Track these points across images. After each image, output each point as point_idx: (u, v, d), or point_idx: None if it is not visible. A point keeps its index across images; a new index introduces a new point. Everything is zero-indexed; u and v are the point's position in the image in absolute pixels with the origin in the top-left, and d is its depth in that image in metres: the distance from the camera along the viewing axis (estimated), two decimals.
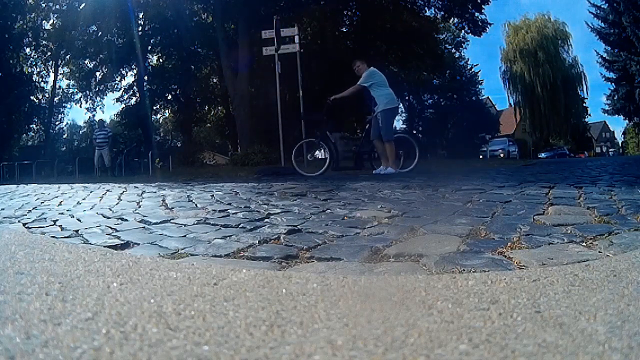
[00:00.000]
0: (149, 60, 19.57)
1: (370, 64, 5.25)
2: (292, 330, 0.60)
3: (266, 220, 1.71)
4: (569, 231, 1.32)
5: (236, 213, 1.92)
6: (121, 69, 19.29)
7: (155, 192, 3.19)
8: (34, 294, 0.77)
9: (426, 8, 16.01)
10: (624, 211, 1.64)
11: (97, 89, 20.74)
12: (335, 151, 5.22)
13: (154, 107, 21.28)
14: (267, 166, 7.81)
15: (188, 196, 2.75)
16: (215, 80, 21.43)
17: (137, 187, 3.75)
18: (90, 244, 1.35)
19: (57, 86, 22.11)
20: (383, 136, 4.83)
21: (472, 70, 30.27)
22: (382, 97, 4.88)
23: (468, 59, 30.71)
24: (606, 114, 27.99)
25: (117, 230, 1.57)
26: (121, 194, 3.14)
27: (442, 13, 16.02)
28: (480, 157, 18.86)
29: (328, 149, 5.26)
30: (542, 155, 24.58)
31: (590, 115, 34.18)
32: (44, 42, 19.18)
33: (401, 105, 28.81)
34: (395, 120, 4.89)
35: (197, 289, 0.80)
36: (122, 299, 0.74)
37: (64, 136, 31.30)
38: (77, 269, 0.96)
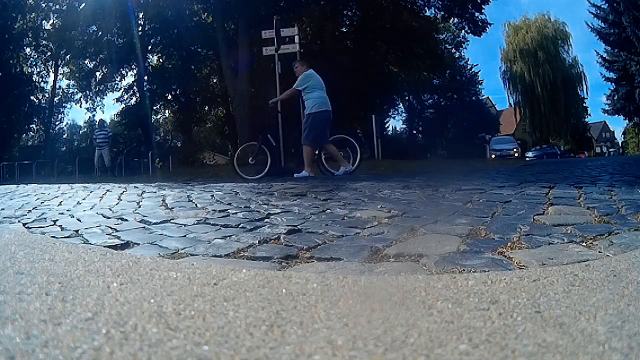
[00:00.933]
0: (149, 60, 19.59)
1: (311, 65, 5.27)
2: (292, 330, 0.60)
3: (266, 220, 1.71)
4: (569, 231, 1.32)
5: (236, 213, 1.92)
6: (121, 69, 19.31)
7: (155, 192, 3.19)
8: (34, 294, 0.77)
9: (426, 8, 16.03)
10: (624, 211, 1.64)
11: (97, 89, 20.74)
12: (275, 154, 5.31)
13: (154, 107, 21.30)
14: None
15: (188, 196, 2.75)
16: (215, 80, 21.45)
17: (137, 187, 3.75)
18: (90, 244, 1.35)
19: (57, 86, 22.15)
20: (303, 139, 4.85)
21: (472, 70, 30.30)
22: (311, 101, 4.90)
23: (468, 59, 30.75)
24: (606, 114, 28.01)
25: (117, 230, 1.57)
26: (121, 194, 3.14)
27: (442, 13, 16.04)
28: (493, 156, 17.48)
29: (269, 152, 5.31)
30: (529, 154, 22.88)
31: (590, 115, 34.21)
32: (44, 42, 19.19)
33: (401, 105, 28.84)
34: (327, 125, 4.92)
35: (197, 289, 0.80)
36: (122, 299, 0.74)
37: (64, 136, 31.36)
38: (77, 269, 0.96)
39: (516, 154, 18.80)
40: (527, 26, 28.29)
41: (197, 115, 23.16)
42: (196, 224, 1.68)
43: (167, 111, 24.12)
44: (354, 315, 0.66)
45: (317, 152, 5.16)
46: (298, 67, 5.14)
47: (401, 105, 29.02)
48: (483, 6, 15.10)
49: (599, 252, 1.07)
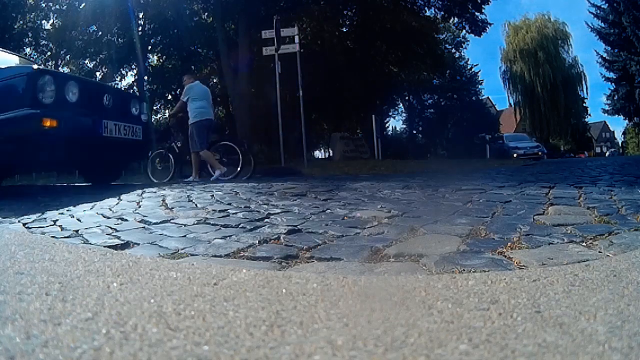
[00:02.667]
0: (149, 60, 19.57)
1: (197, 78, 6.09)
2: (292, 330, 0.60)
3: (266, 220, 1.71)
4: (569, 231, 1.32)
5: (236, 213, 1.92)
6: (121, 69, 19.29)
7: (155, 192, 3.19)
8: (34, 294, 0.77)
9: (426, 8, 16.01)
10: (624, 211, 1.64)
11: None
12: (179, 160, 5.80)
13: (154, 107, 21.27)
14: (267, 166, 7.81)
15: (188, 196, 2.75)
16: (215, 80, 21.44)
17: (137, 187, 3.75)
18: (90, 244, 1.35)
19: None
20: (191, 147, 5.32)
21: (472, 70, 30.28)
22: (192, 111, 5.35)
23: (468, 59, 30.77)
24: (606, 114, 28.00)
25: (117, 230, 1.57)
26: (121, 193, 3.14)
27: (442, 13, 16.02)
28: (515, 155, 15.69)
29: (173, 159, 5.78)
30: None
31: (590, 115, 34.21)
32: (44, 42, 19.18)
33: (401, 105, 28.83)
34: (207, 132, 5.35)
35: (197, 289, 0.80)
36: (122, 299, 0.74)
37: None
38: (77, 269, 0.96)
39: (539, 153, 16.94)
40: (527, 26, 28.28)
41: None
42: (196, 224, 1.68)
43: (167, 111, 24.12)
44: (354, 315, 0.66)
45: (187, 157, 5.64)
46: (185, 80, 5.75)
47: (401, 105, 29.03)
48: (483, 6, 15.09)
49: (599, 252, 1.07)
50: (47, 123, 3.21)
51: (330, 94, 15.95)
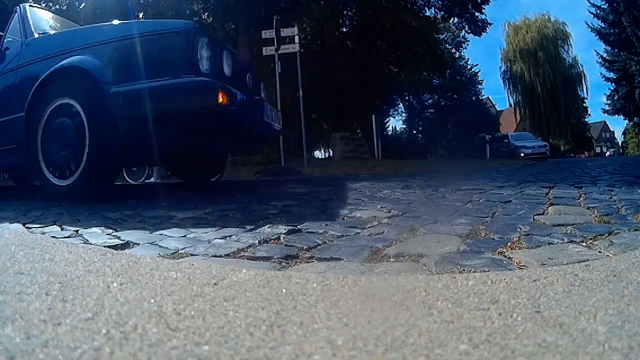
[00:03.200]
0: None
1: None
2: (292, 330, 0.60)
3: (266, 220, 1.71)
4: (569, 231, 1.32)
5: (236, 213, 1.92)
6: None
7: (155, 192, 3.19)
8: (34, 294, 0.77)
9: (426, 8, 16.02)
10: (624, 211, 1.64)
11: None
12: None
13: None
14: (267, 166, 7.82)
15: (188, 196, 2.75)
16: None
17: (137, 187, 3.74)
18: (90, 244, 1.35)
19: None
20: None
21: (472, 70, 30.30)
22: None
23: (468, 59, 30.80)
24: (606, 114, 28.02)
25: (117, 230, 1.57)
26: (121, 193, 3.14)
27: (442, 13, 16.03)
28: (522, 155, 15.43)
29: None
30: None
31: (590, 115, 34.24)
32: None
33: (401, 105, 28.84)
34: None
35: (197, 289, 0.80)
36: (122, 299, 0.74)
37: None
38: (77, 269, 0.96)
39: (547, 153, 16.68)
40: (527, 26, 28.28)
41: None
42: (196, 224, 1.68)
43: None
44: (354, 315, 0.66)
45: None
46: None
47: (401, 105, 29.04)
48: (483, 6, 15.10)
49: (599, 252, 1.07)
50: (222, 99, 2.34)
51: (330, 94, 15.95)
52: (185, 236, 1.44)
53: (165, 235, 1.47)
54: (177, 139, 2.57)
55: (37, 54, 2.82)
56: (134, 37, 2.46)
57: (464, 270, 0.94)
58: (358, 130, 17.95)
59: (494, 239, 1.26)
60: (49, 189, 2.64)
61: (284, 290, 0.79)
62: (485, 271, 0.93)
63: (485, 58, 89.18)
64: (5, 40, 3.12)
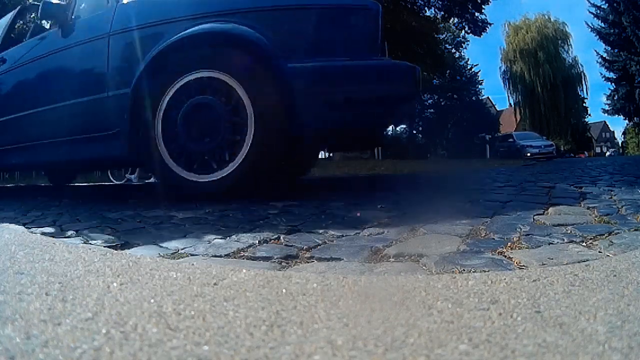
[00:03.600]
0: None
1: None
2: (292, 330, 0.60)
3: (266, 220, 1.71)
4: (569, 231, 1.32)
5: (236, 213, 1.92)
6: None
7: (155, 191, 3.19)
8: (34, 294, 0.77)
9: (426, 8, 16.03)
10: (624, 211, 1.64)
11: None
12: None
13: None
14: None
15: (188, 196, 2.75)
16: None
17: (137, 187, 3.74)
18: (90, 244, 1.35)
19: None
20: None
21: (472, 70, 30.27)
22: None
23: (468, 59, 30.77)
24: (606, 114, 28.03)
25: (117, 230, 1.57)
26: (121, 193, 3.14)
27: (442, 13, 16.04)
28: (528, 155, 15.29)
29: None
30: None
31: (590, 115, 34.28)
32: None
33: None
34: None
35: (197, 289, 0.80)
36: (122, 299, 0.74)
37: None
38: (77, 269, 0.96)
39: (554, 153, 16.61)
40: (527, 26, 28.30)
41: None
42: (196, 223, 1.68)
43: None
44: (354, 315, 0.66)
45: None
46: None
47: None
48: (483, 6, 15.11)
49: (599, 252, 1.07)
50: (420, 85, 2.24)
51: None
52: (185, 236, 1.44)
53: (165, 235, 1.47)
54: (362, 123, 2.27)
55: (146, 17, 2.25)
56: (308, 6, 2.13)
57: (464, 270, 0.94)
58: None
59: (494, 239, 1.26)
60: (178, 187, 2.15)
61: (284, 290, 0.79)
62: (485, 271, 0.93)
63: (485, 58, 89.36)
64: (76, 3, 2.58)
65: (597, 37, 24.82)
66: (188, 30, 2.07)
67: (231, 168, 2.06)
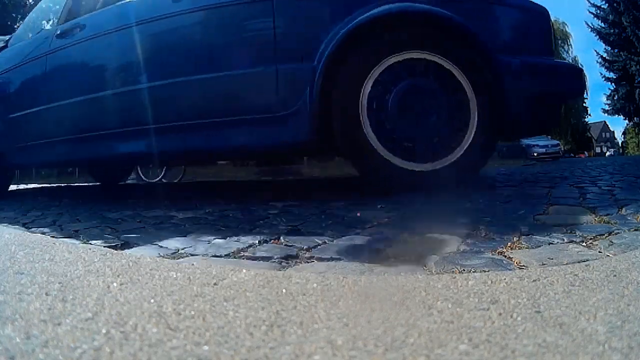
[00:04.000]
0: None
1: None
2: (292, 330, 0.60)
3: (266, 220, 1.71)
4: (569, 231, 1.32)
5: (236, 213, 1.92)
6: None
7: (155, 192, 3.19)
8: (34, 294, 0.77)
9: None
10: (624, 211, 1.63)
11: None
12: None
13: None
14: (267, 166, 7.81)
15: (188, 196, 2.75)
16: None
17: (137, 187, 3.75)
18: (90, 244, 1.35)
19: None
20: None
21: None
22: None
23: None
24: (606, 114, 28.04)
25: (117, 230, 1.57)
26: (121, 193, 3.14)
27: None
28: (535, 154, 15.34)
29: None
30: None
31: (590, 115, 34.30)
32: None
33: None
34: None
35: (197, 289, 0.80)
36: (122, 299, 0.74)
37: None
38: (77, 269, 0.96)
39: (560, 152, 16.49)
40: None
41: None
42: (196, 224, 1.68)
43: None
44: (354, 315, 0.66)
45: None
46: None
47: None
48: None
49: (599, 252, 1.07)
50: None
51: None
52: (185, 236, 1.44)
53: (165, 235, 1.47)
54: (551, 115, 2.35)
55: None
56: (512, 5, 2.21)
57: (464, 270, 0.94)
58: None
59: (494, 239, 1.26)
60: (388, 177, 2.02)
61: (284, 290, 0.79)
62: (485, 271, 0.93)
63: None
64: None
65: (597, 37, 24.85)
66: (400, 5, 1.92)
67: (456, 155, 2.00)
